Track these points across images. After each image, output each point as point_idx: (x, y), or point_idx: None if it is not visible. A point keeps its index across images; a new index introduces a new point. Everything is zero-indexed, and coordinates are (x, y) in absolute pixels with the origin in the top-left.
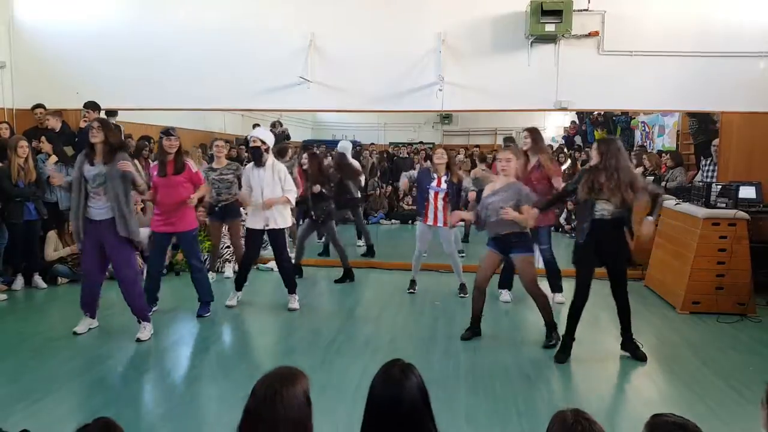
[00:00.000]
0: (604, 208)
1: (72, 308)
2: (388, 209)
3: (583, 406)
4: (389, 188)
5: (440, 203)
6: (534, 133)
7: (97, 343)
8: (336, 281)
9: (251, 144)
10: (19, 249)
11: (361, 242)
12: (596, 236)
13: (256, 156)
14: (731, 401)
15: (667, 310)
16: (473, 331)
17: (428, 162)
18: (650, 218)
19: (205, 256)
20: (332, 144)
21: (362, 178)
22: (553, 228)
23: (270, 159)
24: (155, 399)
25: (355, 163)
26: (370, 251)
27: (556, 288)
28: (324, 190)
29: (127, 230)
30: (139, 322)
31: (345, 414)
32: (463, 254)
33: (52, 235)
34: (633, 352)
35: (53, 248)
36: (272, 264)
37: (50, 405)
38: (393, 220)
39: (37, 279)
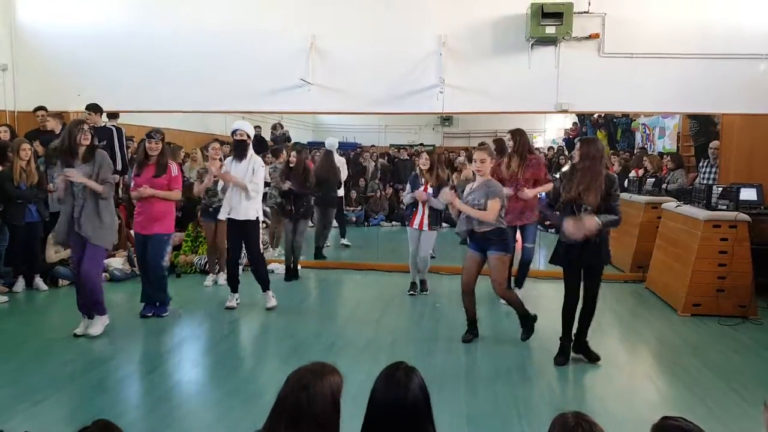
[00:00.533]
0: (586, 208)
1: (73, 310)
2: (388, 211)
3: (583, 409)
4: (390, 190)
5: (427, 209)
6: (514, 135)
7: (98, 344)
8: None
9: (238, 137)
10: (20, 251)
11: (345, 240)
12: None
13: (241, 149)
14: (732, 403)
15: (668, 312)
16: (472, 333)
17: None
18: (596, 218)
19: (205, 259)
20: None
21: (339, 178)
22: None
23: (250, 151)
24: (156, 401)
25: (340, 161)
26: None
27: (518, 284)
28: (293, 187)
29: (95, 235)
30: (91, 317)
31: (346, 416)
32: (434, 257)
33: (53, 237)
34: (587, 354)
35: (54, 250)
36: (272, 266)
37: (51, 406)
38: (393, 222)
39: (38, 281)
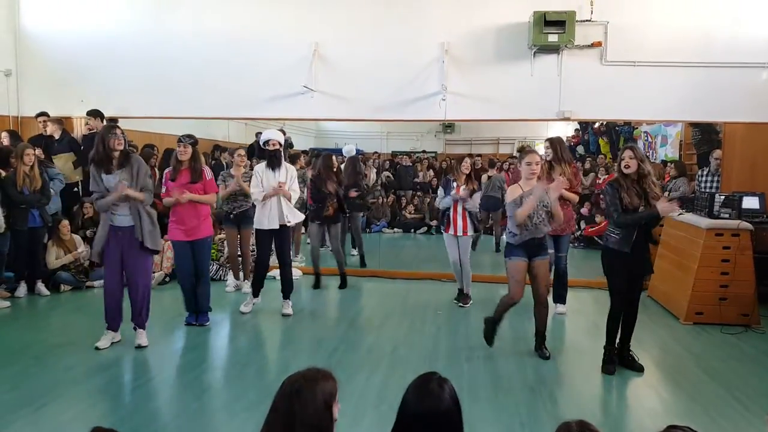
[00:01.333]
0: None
1: (74, 315)
2: (390, 218)
3: (587, 417)
4: (392, 197)
5: (459, 211)
6: (554, 143)
7: (101, 350)
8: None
9: (272, 147)
10: (23, 256)
11: (355, 252)
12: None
13: (277, 158)
14: (734, 412)
15: (671, 320)
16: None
17: (432, 172)
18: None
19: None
20: (335, 152)
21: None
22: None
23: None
24: (158, 407)
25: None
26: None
27: (561, 299)
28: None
29: (152, 240)
30: (135, 329)
31: (348, 420)
32: None
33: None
34: (631, 364)
35: (55, 255)
36: (275, 272)
37: (53, 412)
38: (395, 229)
39: (40, 286)
